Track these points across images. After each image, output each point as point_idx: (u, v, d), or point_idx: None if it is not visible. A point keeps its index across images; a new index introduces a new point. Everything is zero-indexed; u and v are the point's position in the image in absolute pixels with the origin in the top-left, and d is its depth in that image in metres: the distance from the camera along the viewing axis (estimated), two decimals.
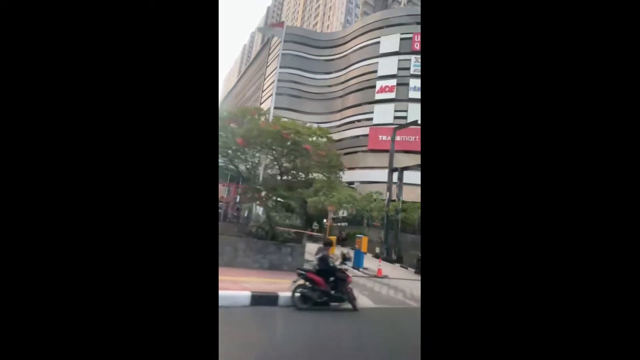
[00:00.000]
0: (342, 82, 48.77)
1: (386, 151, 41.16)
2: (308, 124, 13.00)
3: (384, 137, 40.03)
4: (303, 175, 11.88)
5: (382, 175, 38.75)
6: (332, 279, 5.97)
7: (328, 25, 58.84)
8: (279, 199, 11.21)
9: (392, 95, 40.81)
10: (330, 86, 50.37)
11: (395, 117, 40.19)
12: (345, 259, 7.38)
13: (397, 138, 40.62)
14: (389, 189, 20.04)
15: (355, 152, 42.75)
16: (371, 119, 41.96)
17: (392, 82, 41.13)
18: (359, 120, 43.38)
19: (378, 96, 41.85)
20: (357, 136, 42.73)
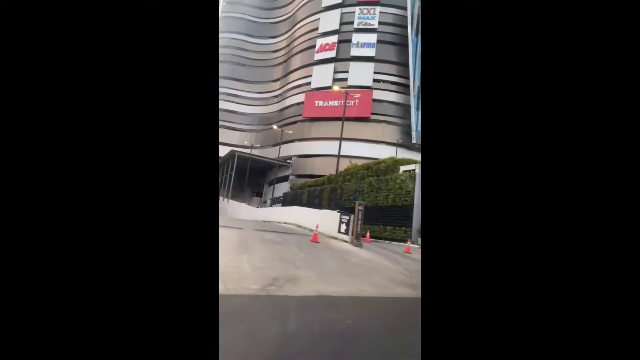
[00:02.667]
0: (287, 46, 42.99)
1: (325, 119, 35.75)
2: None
3: (321, 103, 34.41)
4: None
5: (326, 147, 33.25)
6: None
7: None
8: None
9: (332, 54, 34.97)
10: (275, 51, 44.65)
11: (335, 80, 34.43)
12: None
13: (335, 103, 35.04)
14: None
15: (295, 122, 37.23)
16: (309, 83, 36.24)
17: (333, 38, 35.26)
18: (299, 86, 37.67)
19: (317, 56, 36.07)
20: (298, 103, 37.10)
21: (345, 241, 9.54)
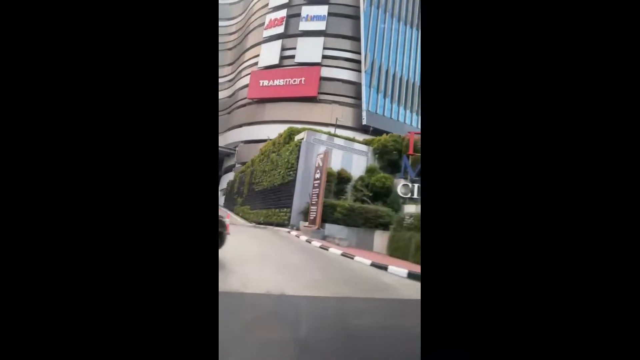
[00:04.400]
0: (242, 27, 40.00)
1: (271, 100, 32.77)
2: None
3: (266, 82, 31.38)
4: None
5: (275, 131, 30.23)
6: None
7: None
8: None
9: (280, 29, 31.94)
10: (231, 34, 41.66)
11: (283, 57, 31.44)
12: None
13: (281, 82, 32.07)
14: None
15: (245, 105, 34.31)
16: (257, 63, 33.24)
17: (282, 13, 32.23)
18: (250, 66, 34.67)
19: (266, 33, 33.05)
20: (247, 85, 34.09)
21: None
